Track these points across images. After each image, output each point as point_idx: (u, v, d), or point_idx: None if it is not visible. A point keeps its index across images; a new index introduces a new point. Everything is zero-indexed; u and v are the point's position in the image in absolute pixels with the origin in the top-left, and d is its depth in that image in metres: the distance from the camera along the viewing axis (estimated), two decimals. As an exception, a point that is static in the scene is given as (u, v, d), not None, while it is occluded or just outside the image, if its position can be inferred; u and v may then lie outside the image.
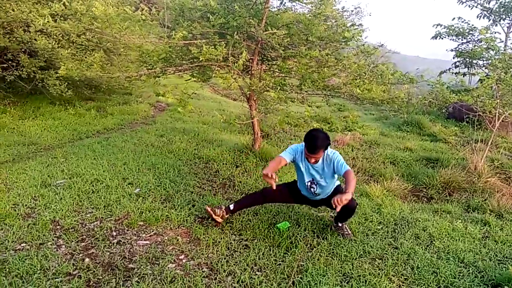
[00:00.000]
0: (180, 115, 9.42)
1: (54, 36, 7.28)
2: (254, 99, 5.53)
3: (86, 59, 5.26)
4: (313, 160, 3.33)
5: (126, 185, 4.44)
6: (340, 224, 3.60)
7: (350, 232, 3.59)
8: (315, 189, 3.51)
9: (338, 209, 2.88)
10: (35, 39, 6.73)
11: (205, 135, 7.18)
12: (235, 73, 4.36)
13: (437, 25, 11.43)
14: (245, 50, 4.52)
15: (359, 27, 5.36)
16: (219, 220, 3.62)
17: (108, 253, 3.07)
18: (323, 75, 4.73)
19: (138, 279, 2.73)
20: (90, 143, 6.22)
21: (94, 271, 2.79)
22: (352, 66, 4.64)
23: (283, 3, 5.37)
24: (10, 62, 7.69)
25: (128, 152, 5.69)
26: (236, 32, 4.54)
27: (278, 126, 8.31)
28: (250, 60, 5.46)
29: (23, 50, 7.60)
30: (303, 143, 3.38)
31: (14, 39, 7.26)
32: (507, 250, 3.46)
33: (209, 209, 3.57)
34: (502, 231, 3.87)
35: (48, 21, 4.20)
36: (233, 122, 4.53)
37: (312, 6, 5.45)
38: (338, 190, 3.61)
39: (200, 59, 4.10)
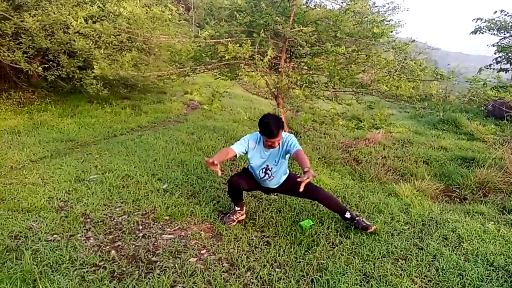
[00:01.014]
0: (212, 113, 9.54)
1: (91, 37, 7.58)
2: (282, 96, 5.53)
3: (119, 59, 5.45)
4: (276, 144, 3.37)
5: (155, 181, 4.56)
6: (348, 216, 3.54)
7: (369, 223, 3.52)
8: (269, 174, 3.53)
9: (302, 187, 2.93)
10: (74, 40, 7.05)
11: (234, 133, 7.24)
12: (261, 70, 4.37)
13: (477, 19, 10.95)
14: (272, 48, 4.52)
15: (390, 22, 5.24)
16: (242, 218, 3.67)
17: (134, 245, 3.18)
18: (351, 72, 4.66)
19: (160, 271, 2.81)
20: (123, 140, 6.43)
21: (118, 263, 2.90)
22: (381, 63, 4.54)
23: (311, 0, 5.32)
24: (51, 62, 8.08)
25: (159, 149, 5.84)
26: (262, 30, 4.55)
27: (307, 125, 8.28)
28: (278, 58, 5.46)
29: (63, 51, 7.96)
30: (256, 133, 3.52)
31: (54, 40, 7.62)
32: (542, 255, 3.29)
33: (227, 221, 3.61)
34: (538, 235, 3.67)
35: (81, 23, 4.37)
36: (254, 118, 4.54)
37: (342, 2, 5.39)
38: (291, 177, 3.65)
39: (226, 57, 4.14)
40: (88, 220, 3.58)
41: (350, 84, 4.81)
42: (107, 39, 7.25)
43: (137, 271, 2.81)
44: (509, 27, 10.58)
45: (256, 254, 3.12)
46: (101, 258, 2.96)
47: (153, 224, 3.56)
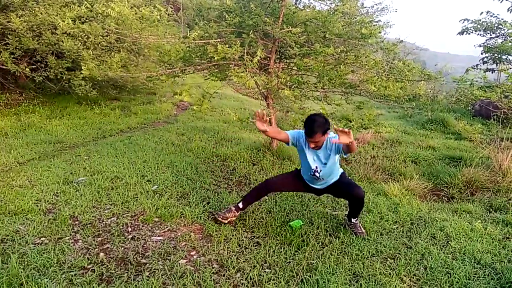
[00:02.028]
0: (202, 114, 9.52)
1: (80, 38, 7.51)
2: (271, 97, 5.54)
3: (108, 60, 5.41)
4: (312, 145, 3.32)
5: (145, 182, 4.54)
6: (354, 221, 3.56)
7: (363, 230, 3.55)
8: (319, 175, 3.48)
9: (347, 130, 2.93)
10: (62, 41, 6.98)
11: (224, 133, 7.24)
12: (251, 71, 4.38)
13: (464, 20, 11.09)
14: (261, 48, 4.53)
15: (378, 23, 5.28)
16: (233, 219, 3.67)
17: (122, 248, 3.16)
18: (340, 72, 4.69)
19: (149, 274, 2.79)
20: (113, 141, 6.39)
21: (107, 266, 2.88)
22: (369, 63, 4.57)
23: (300, 1, 5.34)
24: (38, 63, 7.99)
25: (149, 150, 5.81)
26: (252, 31, 4.56)
27: (297, 125, 8.31)
28: (268, 59, 5.47)
29: (51, 51, 7.87)
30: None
31: (42, 41, 7.54)
32: (528, 252, 3.34)
33: (219, 218, 3.60)
34: (524, 232, 3.73)
35: (68, 23, 4.34)
36: (247, 121, 4.55)
37: (331, 3, 5.42)
38: (343, 177, 3.62)
39: (215, 58, 4.14)
40: (77, 222, 3.54)
41: (339, 84, 4.83)
42: (95, 40, 7.21)
43: (126, 274, 2.79)
44: (495, 28, 10.74)
45: (246, 254, 3.12)
46: (89, 261, 2.93)
47: (143, 226, 3.54)
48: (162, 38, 4.46)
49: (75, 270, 2.79)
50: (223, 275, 2.83)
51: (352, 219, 3.58)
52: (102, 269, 2.83)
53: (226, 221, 3.60)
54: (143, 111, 9.10)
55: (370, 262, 3.03)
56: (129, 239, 3.30)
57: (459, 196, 5.00)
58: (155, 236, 3.39)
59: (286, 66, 6.12)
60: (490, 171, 5.46)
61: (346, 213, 3.73)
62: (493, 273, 2.96)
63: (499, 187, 5.10)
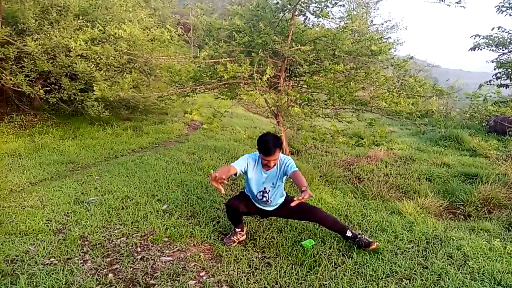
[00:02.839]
0: (213, 133, 9.55)
1: (92, 60, 7.66)
2: (281, 115, 5.53)
3: (120, 80, 5.49)
4: (272, 164, 3.33)
5: (155, 202, 4.52)
6: (349, 235, 3.48)
7: (372, 240, 3.45)
8: (267, 197, 3.48)
9: (295, 203, 2.88)
10: (75, 63, 7.12)
11: (235, 152, 7.22)
12: (260, 89, 4.38)
13: (476, 35, 11.03)
14: (270, 67, 4.54)
15: (387, 40, 5.27)
16: (243, 238, 3.62)
17: (131, 268, 3.12)
18: (350, 89, 4.66)
19: (158, 295, 2.74)
20: (124, 161, 6.42)
21: (116, 287, 2.83)
22: (380, 79, 4.54)
23: (308, 18, 5.37)
24: (53, 85, 8.16)
25: (159, 170, 5.81)
26: (261, 49, 4.58)
27: (309, 143, 8.26)
28: (277, 77, 5.49)
29: (64, 73, 8.05)
30: (255, 153, 3.48)
31: (56, 63, 7.71)
32: (551, 272, 3.20)
33: (227, 245, 3.55)
34: (546, 252, 3.59)
35: (80, 44, 4.42)
36: (254, 137, 4.53)
37: (340, 21, 5.44)
38: (288, 200, 3.59)
39: (225, 77, 4.15)
40: (86, 242, 3.52)
41: (349, 101, 4.80)
42: (107, 61, 7.32)
43: (134, 295, 2.74)
44: (507, 43, 10.65)
45: (256, 275, 3.05)
46: (98, 282, 2.90)
47: (152, 246, 3.51)
48: (172, 58, 4.50)
49: (83, 292, 2.76)
50: (233, 297, 2.76)
51: (347, 234, 3.49)
52: (110, 290, 2.79)
53: (235, 244, 3.55)
54: (155, 131, 9.16)
55: (385, 283, 2.93)
56: (138, 260, 3.26)
57: (476, 214, 4.86)
58: (164, 256, 3.34)
59: (296, 84, 6.13)
60: (507, 188, 5.31)
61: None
62: (514, 294, 2.84)
63: (517, 204, 4.95)
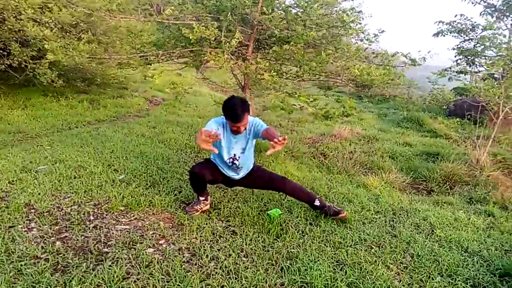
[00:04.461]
0: (176, 109, 9.21)
1: (47, 25, 7.06)
2: (250, 87, 5.32)
3: (75, 42, 5.05)
4: (242, 129, 3.07)
5: (111, 172, 4.21)
6: (317, 204, 3.34)
7: (339, 208, 3.35)
8: (237, 164, 3.28)
9: (272, 150, 2.60)
10: (27, 27, 6.52)
11: (199, 127, 6.94)
12: (227, 53, 4.13)
13: (439, 22, 11.23)
14: (239, 33, 4.30)
15: (359, 13, 5.14)
16: (207, 207, 3.42)
17: (83, 237, 2.84)
18: (321, 59, 4.51)
19: (111, 263, 2.49)
20: (78, 132, 6.00)
21: (64, 255, 2.56)
22: (350, 51, 4.42)
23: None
24: (1, 51, 7.48)
25: (117, 141, 5.46)
26: (230, 14, 4.32)
27: (274, 121, 8.13)
28: (246, 46, 5.26)
29: (14, 39, 7.39)
30: (221, 117, 3.18)
31: (5, 27, 7.05)
32: (513, 241, 3.23)
33: (190, 214, 3.31)
34: (508, 222, 3.64)
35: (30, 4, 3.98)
36: (221, 102, 4.31)
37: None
38: (256, 169, 3.50)
39: (191, 38, 3.88)
40: (32, 210, 3.19)
41: (319, 72, 4.65)
42: (61, 19, 6.74)
43: (84, 263, 2.47)
44: (468, 31, 10.91)
45: (220, 243, 2.86)
46: (43, 250, 2.60)
47: (106, 215, 3.23)
48: (132, 17, 4.15)
49: (26, 260, 2.46)
50: (195, 264, 2.56)
51: (315, 203, 3.35)
52: (57, 258, 2.51)
53: (198, 213, 3.34)
54: (113, 104, 8.69)
55: (354, 250, 2.83)
56: (91, 228, 2.98)
57: (438, 190, 4.92)
58: (120, 225, 3.08)
59: (264, 57, 5.92)
60: (467, 165, 5.41)
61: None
62: (481, 260, 2.82)
63: (477, 181, 5.05)
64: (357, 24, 4.53)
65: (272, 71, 4.62)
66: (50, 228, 2.93)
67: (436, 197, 4.48)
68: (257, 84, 4.74)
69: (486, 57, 11.01)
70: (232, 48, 4.09)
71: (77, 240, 2.79)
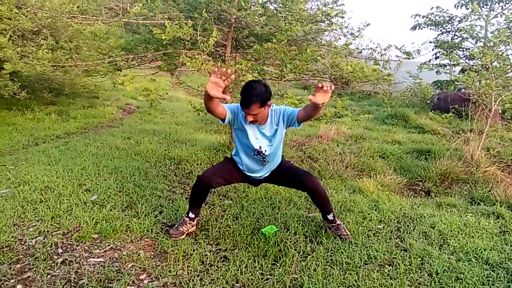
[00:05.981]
0: (151, 116, 8.75)
1: (4, 31, 6.50)
2: (230, 90, 4.94)
3: (35, 48, 4.57)
4: (250, 118, 2.67)
5: (82, 192, 3.75)
6: (330, 218, 3.01)
7: (348, 233, 3.01)
8: (265, 157, 2.88)
9: (324, 96, 2.30)
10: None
11: (177, 135, 6.53)
12: (204, 54, 3.75)
13: (416, 15, 11.12)
14: (216, 31, 3.92)
15: (341, 6, 4.84)
16: (192, 230, 3.01)
17: (49, 276, 2.41)
18: (306, 57, 4.18)
19: (83, 310, 2.08)
20: (46, 148, 5.49)
21: (24, 303, 2.13)
22: (338, 46, 4.10)
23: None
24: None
25: (89, 156, 4.99)
26: (205, 10, 3.94)
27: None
28: (224, 46, 4.88)
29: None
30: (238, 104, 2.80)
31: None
32: (530, 246, 2.96)
33: (173, 237, 2.92)
34: (520, 224, 3.38)
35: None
36: (202, 109, 3.94)
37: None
38: (286, 162, 3.16)
39: (163, 38, 3.47)
40: (-11, 246, 2.73)
41: (303, 71, 4.32)
42: (27, 35, 6.22)
43: (50, 313, 2.05)
44: (446, 23, 10.83)
45: (211, 274, 2.47)
46: (-1, 298, 2.17)
47: (77, 246, 2.79)
48: (95, 17, 3.70)
49: (-24, 314, 2.02)
50: (184, 304, 2.17)
51: (328, 216, 3.02)
52: (16, 309, 2.08)
53: (184, 236, 2.94)
54: (84, 115, 8.15)
55: (365, 272, 2.48)
56: (58, 264, 2.55)
57: (436, 190, 4.66)
58: (93, 257, 2.65)
59: (243, 58, 5.55)
60: (463, 162, 5.18)
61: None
62: (506, 273, 2.52)
63: (475, 178, 4.82)
64: (338, 19, 4.22)
65: (255, 72, 4.26)
66: (10, 268, 2.48)
67: (436, 198, 4.21)
68: (238, 87, 4.36)
69: (464, 49, 10.97)
70: (210, 48, 3.71)
71: (42, 281, 2.35)
